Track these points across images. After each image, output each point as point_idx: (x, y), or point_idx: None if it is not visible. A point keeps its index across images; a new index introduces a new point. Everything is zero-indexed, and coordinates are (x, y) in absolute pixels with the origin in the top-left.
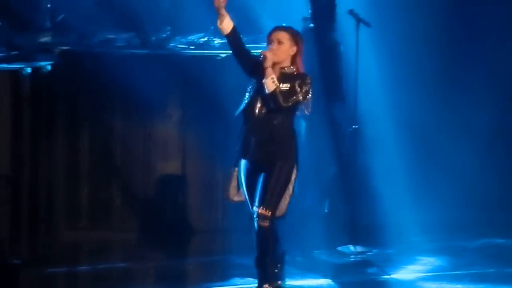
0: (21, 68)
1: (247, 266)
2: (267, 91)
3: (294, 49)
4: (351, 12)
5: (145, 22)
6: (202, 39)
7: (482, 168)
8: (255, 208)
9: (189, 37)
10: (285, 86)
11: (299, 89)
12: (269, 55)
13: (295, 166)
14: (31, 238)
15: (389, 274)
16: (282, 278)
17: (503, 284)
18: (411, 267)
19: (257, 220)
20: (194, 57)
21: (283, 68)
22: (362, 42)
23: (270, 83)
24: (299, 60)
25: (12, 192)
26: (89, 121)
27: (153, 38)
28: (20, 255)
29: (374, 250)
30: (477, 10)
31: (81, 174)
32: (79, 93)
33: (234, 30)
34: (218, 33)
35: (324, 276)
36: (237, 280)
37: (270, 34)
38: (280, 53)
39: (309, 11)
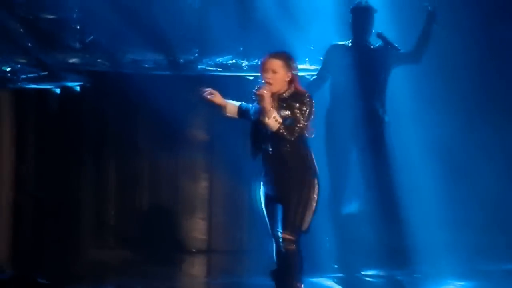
0: (49, 89)
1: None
2: (271, 130)
3: (289, 75)
4: (379, 35)
5: (174, 43)
6: (230, 61)
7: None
8: (279, 233)
9: (217, 59)
10: (286, 115)
11: (299, 113)
12: (266, 93)
13: (314, 186)
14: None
15: None
16: None
17: None
18: None
19: (283, 245)
20: (222, 78)
21: (281, 94)
22: None
23: (273, 123)
24: (296, 83)
25: (39, 211)
26: (116, 142)
27: (181, 60)
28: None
29: (400, 274)
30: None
31: (108, 194)
32: (107, 114)
33: (240, 111)
34: (246, 55)
35: None
36: None
37: (263, 63)
38: (276, 83)
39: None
